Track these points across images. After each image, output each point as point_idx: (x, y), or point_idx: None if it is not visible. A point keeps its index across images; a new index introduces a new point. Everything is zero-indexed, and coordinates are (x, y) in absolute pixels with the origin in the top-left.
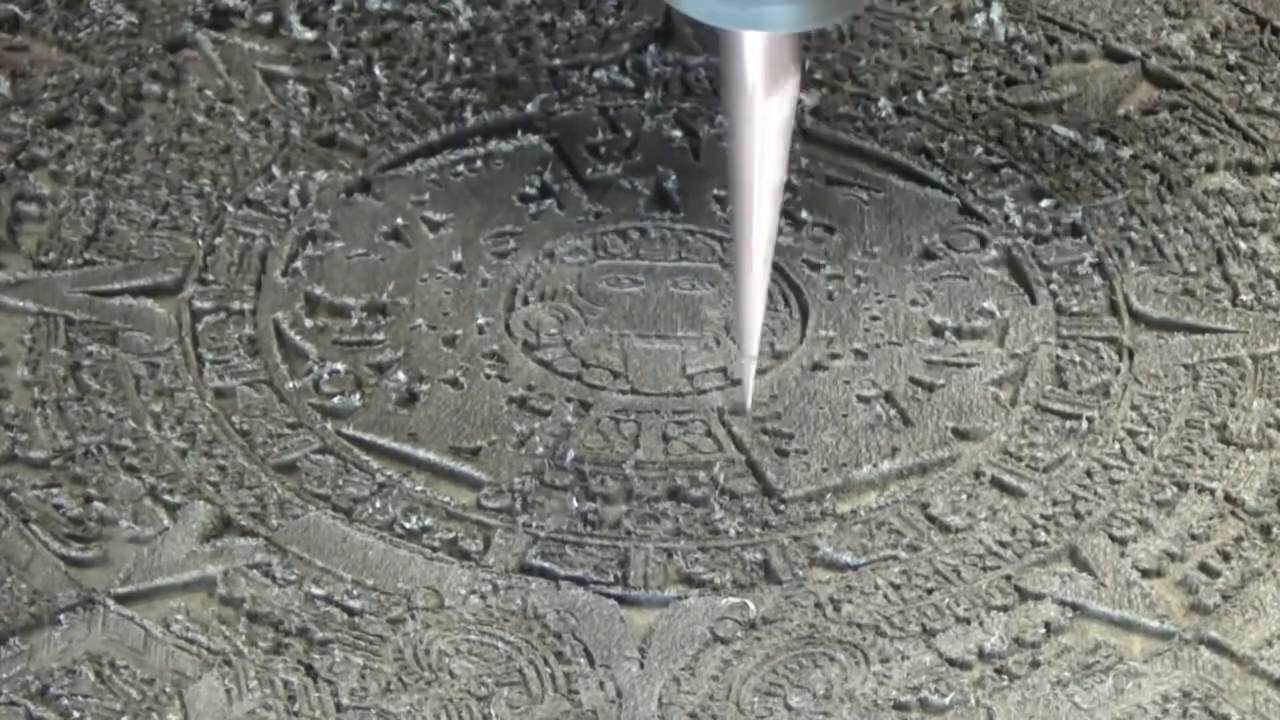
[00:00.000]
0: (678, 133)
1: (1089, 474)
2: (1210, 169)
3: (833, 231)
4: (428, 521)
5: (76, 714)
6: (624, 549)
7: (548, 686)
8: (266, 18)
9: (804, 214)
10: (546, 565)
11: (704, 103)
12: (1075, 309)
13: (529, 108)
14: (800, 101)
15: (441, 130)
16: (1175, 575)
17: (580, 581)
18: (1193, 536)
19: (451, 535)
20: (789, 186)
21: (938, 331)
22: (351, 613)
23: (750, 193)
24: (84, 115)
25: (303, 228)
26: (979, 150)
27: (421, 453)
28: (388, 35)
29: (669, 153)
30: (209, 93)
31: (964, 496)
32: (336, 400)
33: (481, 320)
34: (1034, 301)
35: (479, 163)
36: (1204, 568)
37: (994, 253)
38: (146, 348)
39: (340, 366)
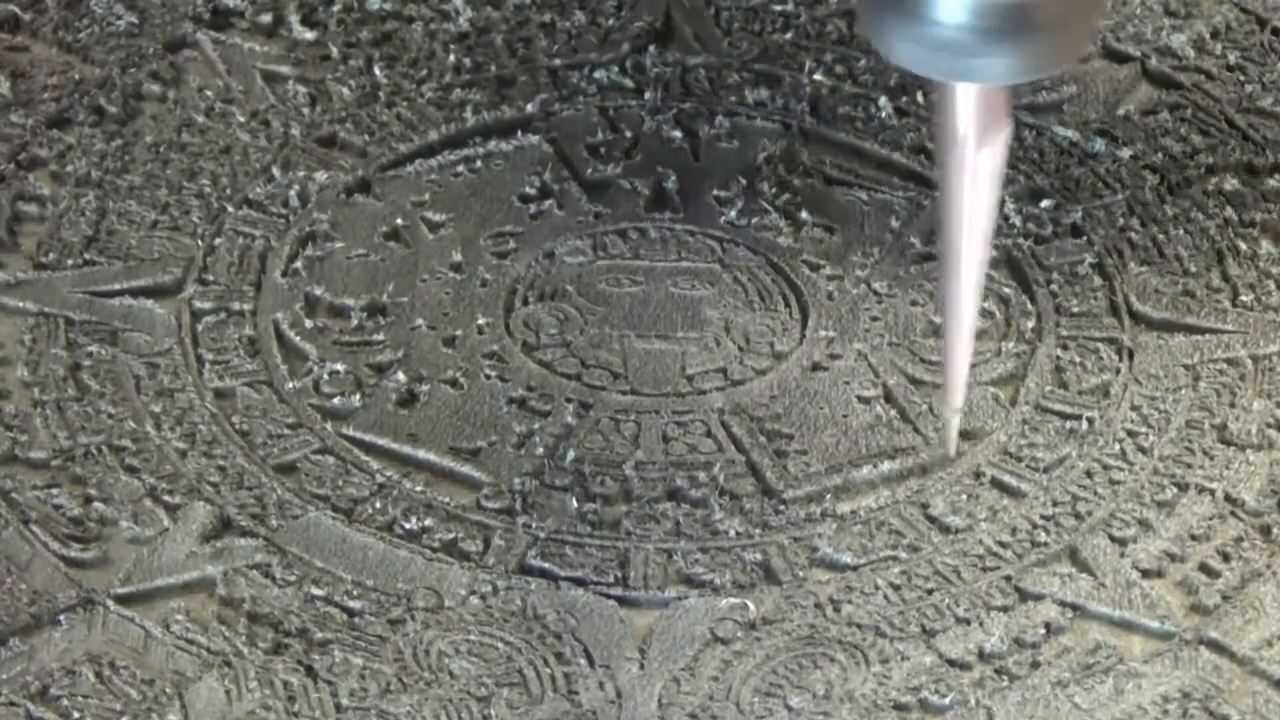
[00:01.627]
0: (678, 133)
1: (1089, 474)
2: (1210, 170)
3: (833, 231)
4: (428, 522)
5: (76, 714)
6: (624, 549)
7: (548, 687)
8: (266, 18)
9: (804, 214)
10: (546, 566)
11: (704, 103)
12: (1075, 309)
13: (529, 108)
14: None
15: (441, 130)
16: (1175, 575)
17: (580, 582)
18: (1193, 537)
19: (451, 536)
20: (789, 187)
21: (938, 332)
22: (351, 613)
23: (959, 245)
24: (84, 115)
25: (303, 228)
26: None
27: (421, 453)
28: (388, 35)
29: (669, 153)
30: (209, 93)
31: (964, 497)
32: (336, 400)
33: (481, 320)
34: (1034, 302)
35: (479, 163)
36: (1204, 568)
37: (994, 253)
38: (146, 348)
39: (340, 367)
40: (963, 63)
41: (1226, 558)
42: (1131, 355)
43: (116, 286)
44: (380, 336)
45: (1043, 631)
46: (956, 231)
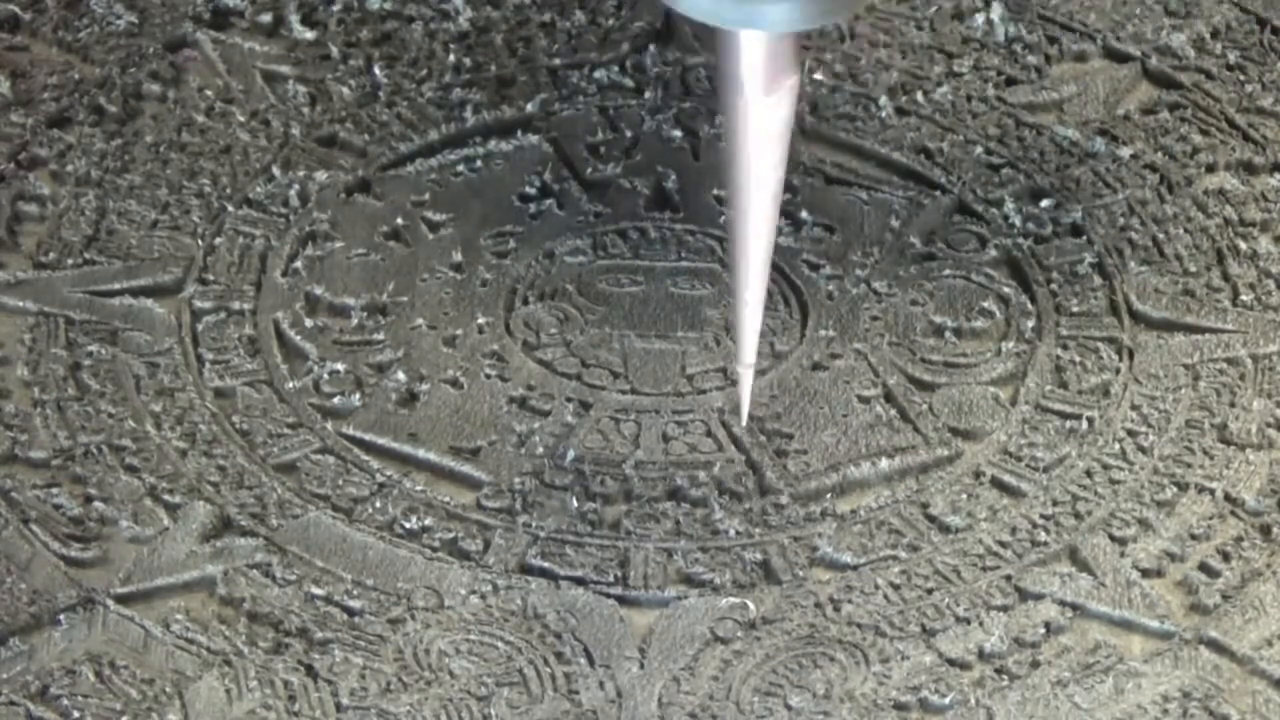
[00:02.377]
0: (678, 133)
1: (1089, 474)
2: (1210, 169)
3: (833, 231)
4: (428, 521)
5: (76, 714)
6: (624, 549)
7: (548, 686)
8: (266, 18)
9: (804, 214)
10: (546, 565)
11: (704, 103)
12: (1075, 309)
13: (529, 108)
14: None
15: (441, 130)
16: (1175, 575)
17: (580, 581)
18: (1193, 536)
19: (451, 535)
20: (789, 186)
21: (938, 331)
22: (351, 613)
23: (748, 195)
24: (84, 115)
25: (303, 228)
26: (979, 150)
27: (421, 453)
28: (388, 35)
29: (669, 153)
30: (209, 93)
31: (964, 496)
32: (336, 400)
33: (481, 320)
34: (1034, 302)
35: (479, 163)
36: (1204, 568)
37: (994, 253)
38: (146, 348)
39: (340, 366)
40: (746, 9)
41: (1226, 557)
42: (1131, 355)
43: (116, 286)
44: (380, 336)
45: (1043, 631)
46: (745, 181)
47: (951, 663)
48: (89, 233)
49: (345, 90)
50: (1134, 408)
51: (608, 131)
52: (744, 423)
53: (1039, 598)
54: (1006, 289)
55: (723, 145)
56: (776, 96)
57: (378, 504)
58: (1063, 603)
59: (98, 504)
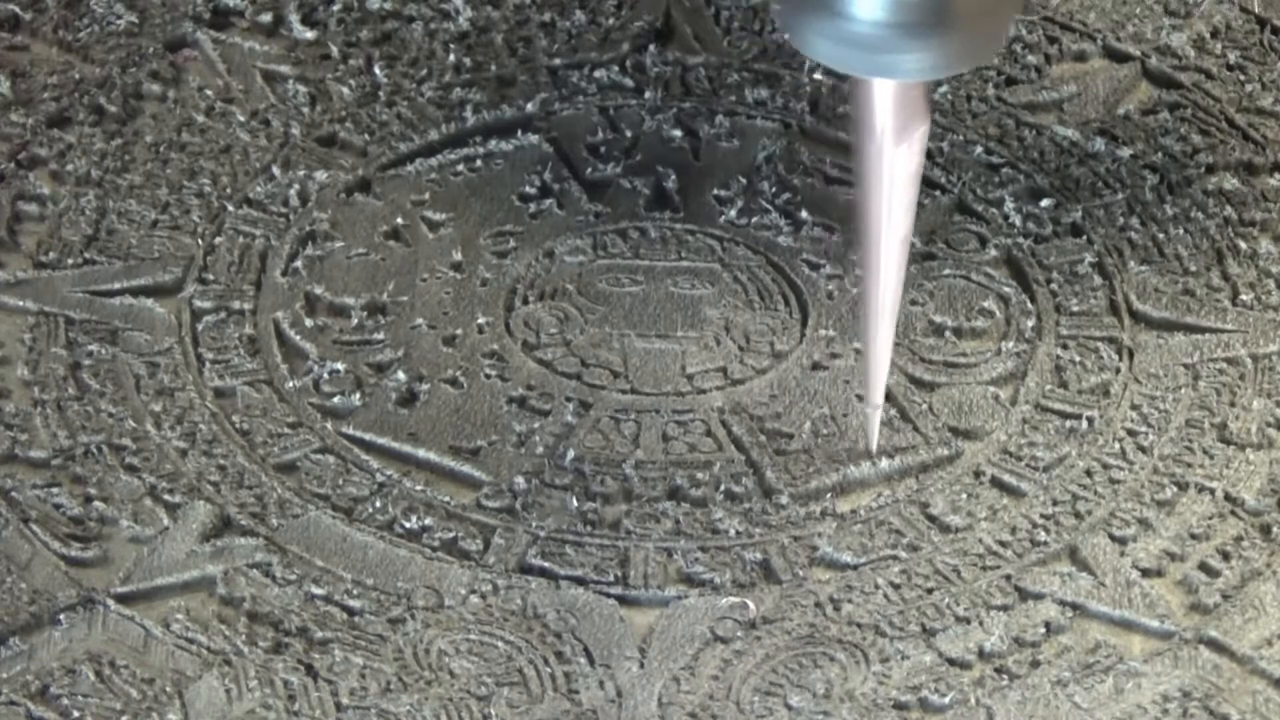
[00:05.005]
0: (678, 133)
1: (1089, 474)
2: (1210, 169)
3: (833, 231)
4: (428, 521)
5: (76, 714)
6: (624, 549)
7: (548, 686)
8: (266, 18)
9: (804, 214)
10: (546, 565)
11: (704, 103)
12: (1075, 309)
13: (529, 108)
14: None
15: (441, 130)
16: (1175, 575)
17: (580, 581)
18: (1193, 536)
19: (451, 535)
20: (789, 186)
21: (938, 331)
22: (351, 612)
23: (878, 241)
24: (84, 115)
25: (303, 228)
26: (979, 150)
27: (421, 452)
28: (388, 35)
29: (669, 153)
30: (209, 93)
31: (964, 496)
32: (336, 400)
33: (481, 320)
34: (1034, 301)
35: (479, 162)
36: (1204, 567)
37: (994, 253)
38: (146, 347)
39: (340, 366)
40: (879, 59)
41: (1226, 557)
42: (1131, 354)
43: (116, 286)
44: (380, 336)
45: (1043, 631)
46: (875, 229)
47: (951, 662)
48: (89, 232)
49: (345, 90)
50: (1134, 407)
51: (608, 131)
52: (874, 454)
53: (1039, 597)
54: (1006, 289)
55: (851, 191)
56: (907, 144)
57: (378, 504)
58: (1063, 602)
59: (98, 504)
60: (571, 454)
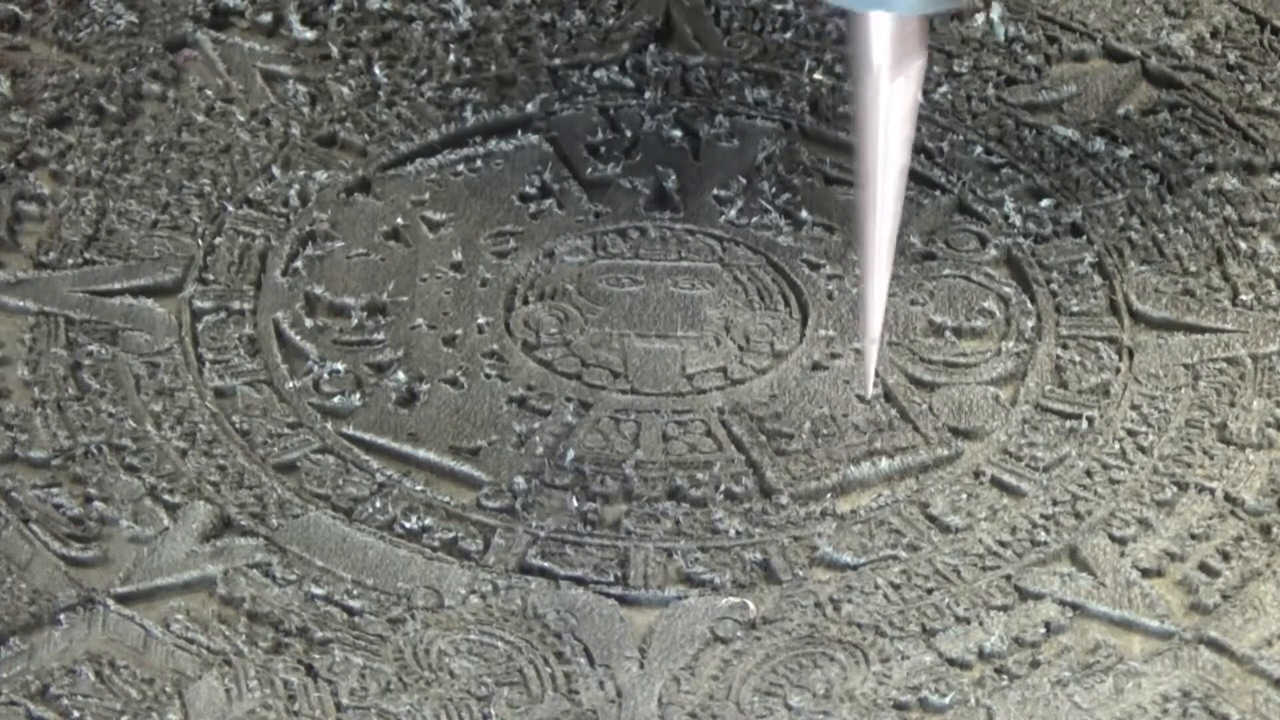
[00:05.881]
0: (678, 133)
1: (1089, 474)
2: (1210, 169)
3: (833, 231)
4: (428, 521)
5: (76, 714)
6: (624, 549)
7: (548, 686)
8: (266, 18)
9: (804, 214)
10: (546, 565)
11: (704, 102)
12: (1075, 309)
13: (529, 108)
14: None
15: (441, 130)
16: (1175, 575)
17: (580, 581)
18: (1193, 536)
19: (451, 535)
20: (789, 186)
21: (938, 331)
22: (351, 613)
23: (874, 174)
24: (84, 115)
25: (303, 228)
26: (979, 150)
27: (421, 453)
28: (388, 35)
29: (669, 153)
30: (209, 93)
31: (964, 496)
32: (336, 400)
33: (481, 320)
34: (1034, 301)
35: (479, 163)
36: (1204, 567)
37: (994, 253)
38: (146, 348)
39: (340, 366)
40: None
41: (1226, 557)
42: (1131, 354)
43: (116, 286)
44: (380, 336)
45: (1043, 631)
46: (872, 161)
47: (951, 663)
48: (89, 232)
49: (345, 90)
50: (1134, 407)
51: (608, 131)
52: (869, 394)
53: (1039, 597)
54: (1006, 289)
55: (853, 129)
56: (904, 77)
57: (378, 504)
58: (1063, 602)
59: (98, 504)
60: (571, 454)
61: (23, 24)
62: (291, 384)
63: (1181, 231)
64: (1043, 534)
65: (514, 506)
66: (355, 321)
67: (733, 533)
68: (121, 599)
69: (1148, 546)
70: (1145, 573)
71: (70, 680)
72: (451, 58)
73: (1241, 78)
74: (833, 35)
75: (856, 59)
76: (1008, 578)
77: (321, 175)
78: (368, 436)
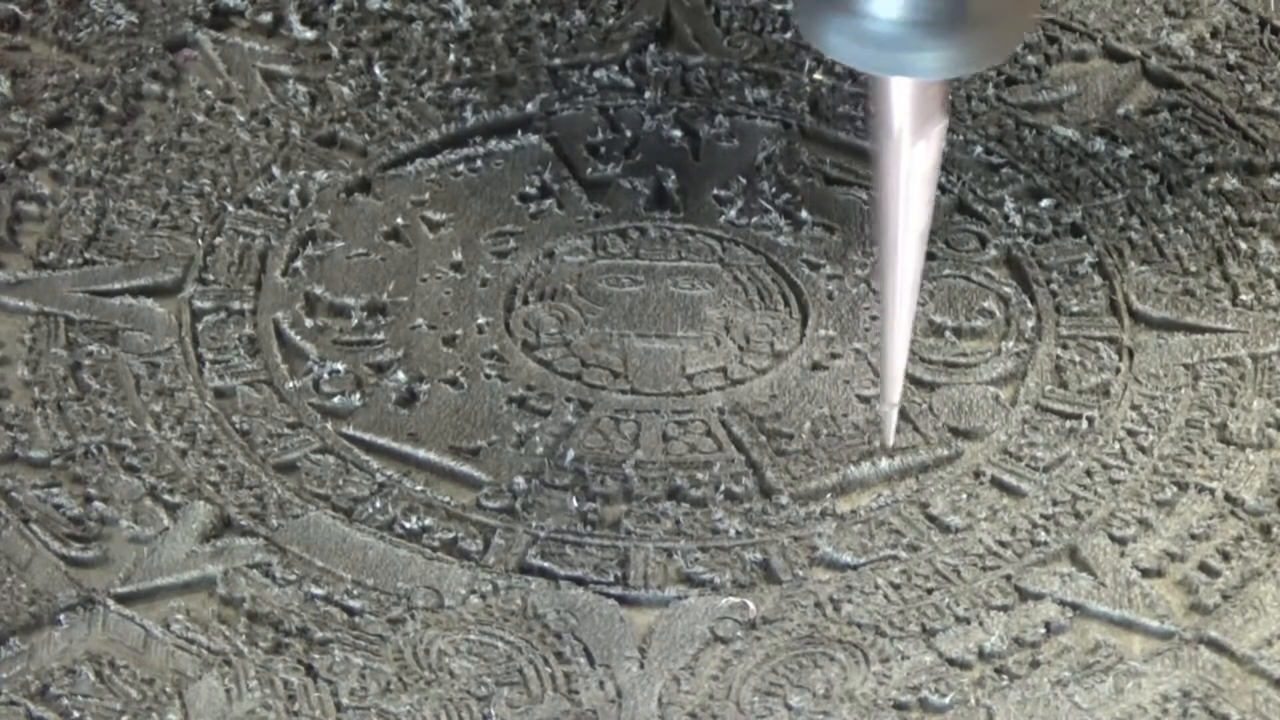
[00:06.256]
0: (678, 133)
1: (1089, 474)
2: (1210, 169)
3: (833, 231)
4: (428, 521)
5: (76, 714)
6: (624, 549)
7: (548, 686)
8: (266, 18)
9: (804, 214)
10: (546, 565)
11: (704, 102)
12: (1075, 309)
13: (529, 108)
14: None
15: (441, 130)
16: (1175, 575)
17: (580, 581)
18: (1193, 536)
19: (451, 535)
20: (789, 186)
21: (938, 331)
22: (351, 613)
23: (895, 238)
24: (84, 115)
25: (303, 228)
26: (979, 150)
27: (421, 453)
28: (388, 35)
29: (669, 153)
30: (209, 93)
31: (964, 496)
32: (336, 400)
33: (481, 320)
34: (1034, 301)
35: (479, 163)
36: (1204, 567)
37: (994, 253)
38: (146, 348)
39: (340, 366)
40: (897, 57)
41: (1226, 557)
42: (1131, 354)
43: (116, 286)
44: (380, 336)
45: (1043, 631)
46: (893, 224)
47: (951, 663)
48: (89, 233)
49: (345, 90)
50: (1134, 407)
51: (608, 131)
52: (890, 449)
53: (1039, 598)
54: (1006, 289)
55: (873, 188)
56: (925, 141)
57: (378, 504)
58: (1063, 603)
59: (98, 504)
60: (571, 454)
61: (23, 24)
62: (291, 384)
63: (1181, 231)
64: (1043, 534)
65: (514, 506)
66: (355, 321)
67: (733, 533)
68: (121, 599)
69: (1148, 546)
70: (1145, 573)
71: (70, 680)
72: (451, 58)
73: (1241, 78)
74: None
75: (876, 123)
76: (1008, 578)
77: (321, 175)
78: (368, 436)
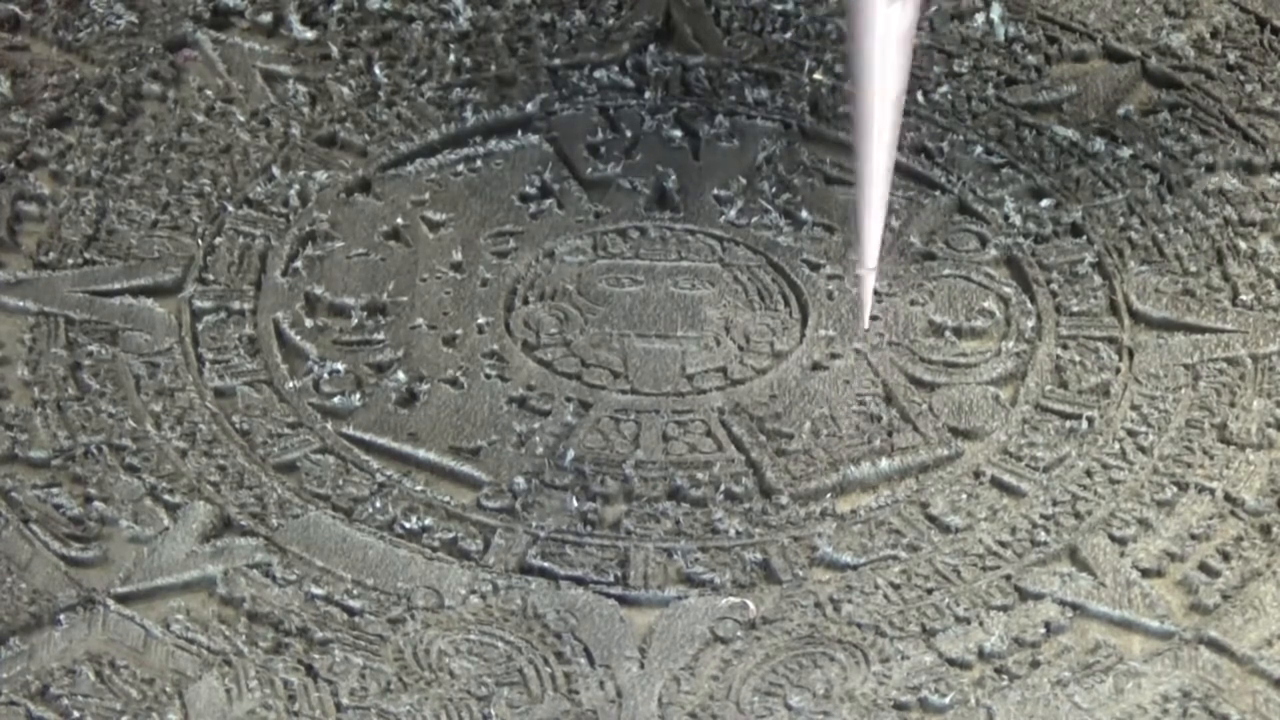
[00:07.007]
0: (678, 133)
1: (1089, 474)
2: (1210, 169)
3: (833, 231)
4: (428, 521)
5: (76, 714)
6: (624, 549)
7: (548, 686)
8: (266, 18)
9: (804, 214)
10: (546, 565)
11: (704, 102)
12: (1075, 309)
13: (529, 108)
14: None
15: (441, 130)
16: (1175, 575)
17: (580, 581)
18: (1193, 536)
19: (451, 535)
20: (789, 186)
21: (938, 331)
22: (351, 613)
23: (871, 101)
24: (84, 115)
25: (303, 227)
26: (979, 150)
27: (421, 453)
28: (388, 35)
29: (669, 153)
30: (209, 93)
31: (964, 496)
32: (336, 400)
33: (481, 319)
34: (1034, 301)
35: (479, 163)
36: (1204, 568)
37: (994, 253)
38: (146, 348)
39: (340, 366)
40: None
41: (1226, 557)
42: (1131, 354)
43: (116, 286)
44: (380, 336)
45: (1043, 631)
46: (868, 88)
47: (951, 663)
48: (89, 233)
49: (345, 90)
50: (1134, 408)
51: (608, 131)
52: (865, 326)
53: (1039, 598)
54: (1006, 289)
55: (848, 49)
56: (900, 4)
57: (378, 504)
58: (1063, 603)
59: (98, 504)
60: (571, 454)
61: (23, 24)
62: (291, 384)
63: (1181, 231)
64: (1043, 534)
65: (514, 506)
66: (355, 321)
67: (733, 533)
68: (121, 599)
69: (1148, 546)
70: (1145, 573)
71: (70, 680)
72: (451, 58)
73: (1241, 78)
74: (833, 35)
75: None
76: (1008, 578)
77: (321, 175)
78: (368, 436)
